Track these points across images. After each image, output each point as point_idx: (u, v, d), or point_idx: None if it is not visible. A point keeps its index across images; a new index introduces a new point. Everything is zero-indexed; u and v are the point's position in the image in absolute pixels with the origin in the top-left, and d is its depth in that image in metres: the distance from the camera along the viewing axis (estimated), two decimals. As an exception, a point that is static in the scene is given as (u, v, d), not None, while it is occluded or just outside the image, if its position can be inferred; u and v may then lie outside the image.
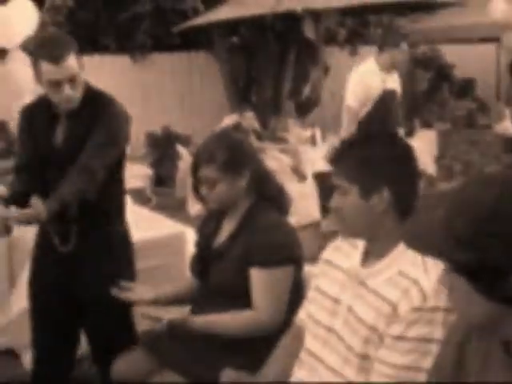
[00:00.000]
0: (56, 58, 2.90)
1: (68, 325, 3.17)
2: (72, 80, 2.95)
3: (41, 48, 2.98)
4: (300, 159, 8.24)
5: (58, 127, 3.06)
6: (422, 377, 1.81)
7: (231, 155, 2.62)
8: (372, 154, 2.02)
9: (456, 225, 1.36)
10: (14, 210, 2.76)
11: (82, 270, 3.03)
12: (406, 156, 2.06)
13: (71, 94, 2.97)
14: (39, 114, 3.11)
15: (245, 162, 2.66)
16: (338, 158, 2.09)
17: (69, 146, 3.02)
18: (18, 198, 2.97)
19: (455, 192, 1.43)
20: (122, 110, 3.12)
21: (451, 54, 12.38)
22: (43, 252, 3.20)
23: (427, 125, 10.06)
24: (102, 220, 3.09)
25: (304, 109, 10.76)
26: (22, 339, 3.80)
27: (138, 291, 2.83)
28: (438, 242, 1.39)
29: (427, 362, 1.83)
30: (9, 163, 4.39)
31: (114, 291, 2.81)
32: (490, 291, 1.35)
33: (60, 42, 2.98)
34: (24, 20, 6.90)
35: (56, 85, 2.95)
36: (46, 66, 2.92)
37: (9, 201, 2.98)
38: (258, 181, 2.71)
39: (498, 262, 1.32)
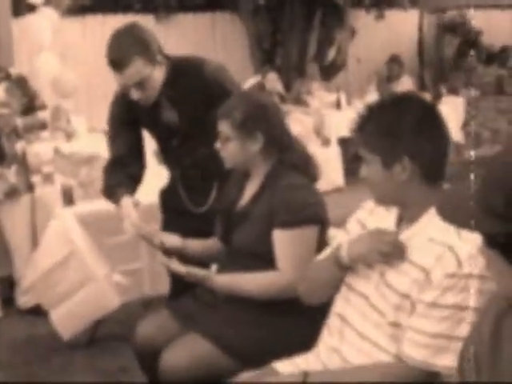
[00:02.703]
0: (118, 67, 2.88)
1: None
2: (139, 84, 2.92)
3: (107, 53, 2.93)
4: (323, 123, 8.16)
5: (162, 106, 3.07)
6: (455, 345, 1.77)
7: (247, 116, 2.59)
8: (390, 123, 1.97)
9: (488, 197, 1.33)
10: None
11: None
12: (428, 120, 1.99)
13: (140, 96, 2.96)
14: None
15: (260, 127, 2.60)
16: (357, 127, 2.04)
17: (188, 118, 3.08)
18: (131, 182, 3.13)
19: (488, 164, 1.38)
20: (216, 65, 3.14)
21: (479, 19, 12.16)
22: (173, 216, 3.27)
23: (454, 91, 9.91)
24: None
25: (329, 72, 10.62)
26: (49, 297, 3.81)
27: (164, 236, 2.86)
28: (472, 215, 1.36)
29: (461, 330, 1.80)
30: (32, 119, 4.36)
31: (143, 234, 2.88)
32: None
33: (124, 48, 2.89)
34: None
35: (124, 87, 2.97)
36: (113, 71, 2.92)
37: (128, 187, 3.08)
38: (280, 148, 2.66)
39: None
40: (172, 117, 3.08)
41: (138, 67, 2.88)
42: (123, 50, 2.88)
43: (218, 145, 2.69)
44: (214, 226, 2.93)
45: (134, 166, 3.20)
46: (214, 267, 2.91)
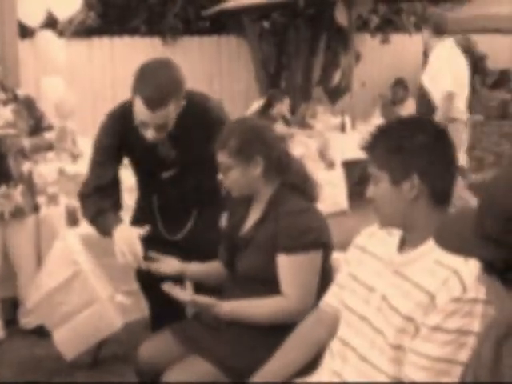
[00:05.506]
0: (153, 106, 2.74)
1: None
2: (161, 126, 2.83)
3: (143, 85, 2.76)
4: (328, 145, 8.17)
5: (161, 143, 2.99)
6: (457, 369, 1.77)
7: (243, 141, 2.59)
8: (401, 140, 1.98)
9: (485, 223, 1.34)
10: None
11: (190, 255, 2.96)
12: (439, 142, 2.01)
13: (154, 136, 2.86)
14: (130, 123, 2.92)
15: (258, 150, 2.60)
16: (369, 145, 2.06)
17: (186, 155, 3.06)
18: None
19: (484, 189, 1.39)
20: (218, 103, 3.14)
21: (484, 44, 12.21)
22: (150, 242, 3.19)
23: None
24: (212, 206, 3.14)
25: (333, 96, 10.66)
26: (52, 317, 3.81)
27: (163, 264, 2.85)
28: (468, 241, 1.37)
29: (463, 355, 1.80)
30: (38, 140, 4.37)
31: (143, 264, 2.82)
32: None
33: (164, 89, 2.75)
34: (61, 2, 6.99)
35: (143, 123, 2.84)
36: (140, 105, 2.76)
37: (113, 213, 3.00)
38: (279, 168, 2.67)
39: None
40: (169, 154, 3.04)
41: (169, 110, 2.79)
42: (163, 91, 2.75)
43: (220, 176, 2.69)
44: (192, 252, 2.96)
45: (116, 196, 3.12)
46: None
